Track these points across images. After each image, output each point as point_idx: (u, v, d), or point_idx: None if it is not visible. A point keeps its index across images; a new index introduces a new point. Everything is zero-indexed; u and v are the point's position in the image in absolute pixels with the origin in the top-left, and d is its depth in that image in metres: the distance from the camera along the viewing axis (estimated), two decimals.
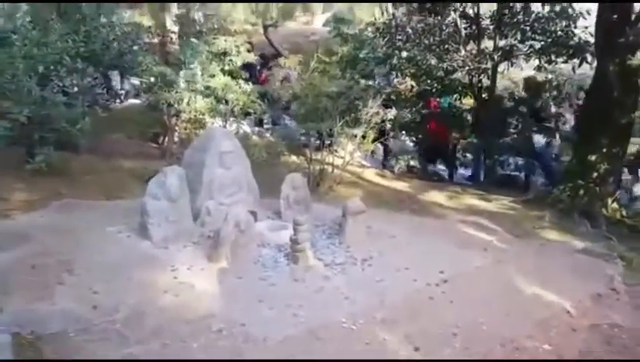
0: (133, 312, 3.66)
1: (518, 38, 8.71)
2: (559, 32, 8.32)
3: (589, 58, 7.94)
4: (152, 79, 7.86)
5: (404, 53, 8.68)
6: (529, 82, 9.54)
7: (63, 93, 6.20)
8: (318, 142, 8.26)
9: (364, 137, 8.15)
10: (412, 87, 9.52)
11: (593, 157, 6.83)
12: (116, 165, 7.51)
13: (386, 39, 8.91)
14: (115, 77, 9.30)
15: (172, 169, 5.04)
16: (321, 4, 19.44)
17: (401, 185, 8.53)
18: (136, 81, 9.67)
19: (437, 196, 7.94)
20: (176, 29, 9.05)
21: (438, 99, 9.63)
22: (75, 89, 6.53)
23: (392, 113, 7.82)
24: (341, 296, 4.17)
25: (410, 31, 8.67)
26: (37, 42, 6.09)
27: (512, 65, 9.33)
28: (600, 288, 5.00)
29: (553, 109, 9.28)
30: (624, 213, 6.99)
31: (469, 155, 10.08)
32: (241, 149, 5.83)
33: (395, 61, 8.69)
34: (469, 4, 8.83)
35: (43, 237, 4.62)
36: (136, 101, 10.24)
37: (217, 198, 5.44)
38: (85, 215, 5.34)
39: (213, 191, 5.46)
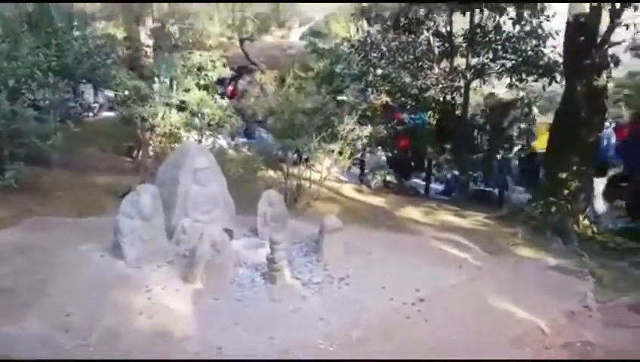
0: (106, 335, 3.58)
1: (490, 56, 8.91)
2: (529, 52, 8.53)
3: (558, 77, 8.16)
4: (127, 92, 7.78)
5: (379, 71, 8.77)
6: (491, 101, 9.73)
7: (34, 108, 6.05)
8: (295, 156, 8.27)
9: (340, 153, 8.19)
10: (387, 102, 9.62)
11: (564, 175, 7.00)
12: (89, 180, 7.37)
13: (361, 56, 9.01)
14: (88, 90, 9.15)
15: (145, 187, 4.96)
16: (297, 17, 19.57)
17: (378, 201, 8.59)
18: (110, 93, 9.56)
19: (413, 212, 8.02)
20: (150, 42, 8.99)
21: (404, 115, 9.80)
22: (47, 103, 6.37)
23: (367, 130, 7.87)
24: (317, 317, 4.16)
25: (384, 49, 8.79)
26: (7, 55, 5.96)
27: (484, 83, 9.54)
28: (573, 305, 5.08)
29: (522, 126, 9.51)
30: (595, 229, 7.17)
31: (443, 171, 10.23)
32: (216, 165, 5.77)
33: (370, 78, 8.78)
34: (442, 24, 8.99)
35: (13, 257, 4.49)
36: (110, 114, 10.10)
37: (193, 216, 5.36)
38: (57, 233, 5.21)
39: (189, 208, 5.39)
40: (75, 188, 6.90)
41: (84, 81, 7.93)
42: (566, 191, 6.97)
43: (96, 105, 9.25)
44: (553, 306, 4.99)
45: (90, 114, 8.77)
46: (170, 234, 5.16)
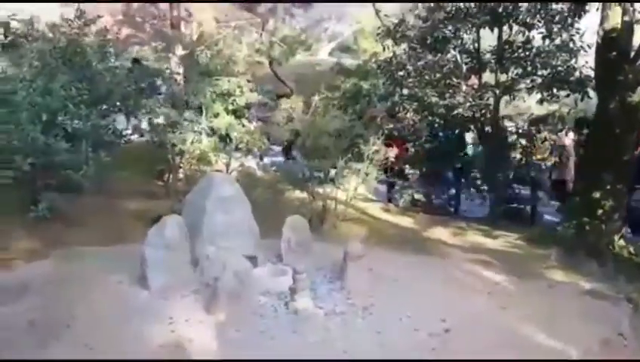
0: None
1: (519, 72, 8.74)
2: (559, 67, 8.33)
3: (591, 93, 7.93)
4: (159, 120, 7.98)
5: (406, 90, 8.72)
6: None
7: (66, 139, 6.26)
8: (322, 175, 8.26)
9: (367, 174, 8.15)
10: (414, 122, 9.55)
11: (597, 194, 6.77)
12: (121, 206, 7.53)
13: (387, 75, 8.98)
14: (120, 117, 9.41)
15: (171, 218, 5.05)
16: (326, 35, 19.75)
17: (406, 221, 8.49)
18: (143, 121, 9.81)
19: (441, 232, 7.89)
20: (180, 69, 9.22)
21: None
22: (79, 133, 6.58)
23: (393, 151, 7.81)
24: (340, 350, 4.12)
25: (410, 68, 8.73)
26: (41, 90, 6.20)
27: (514, 99, 9.35)
28: (608, 333, 4.89)
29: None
30: (632, 250, 6.88)
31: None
32: (241, 193, 5.83)
33: (396, 98, 8.73)
34: (469, 41, 8.89)
35: (42, 289, 4.62)
36: (142, 139, 10.36)
37: (218, 243, 5.42)
38: (87, 264, 5.33)
39: (214, 236, 5.45)
40: (106, 215, 7.05)
41: (116, 110, 8.16)
42: (600, 211, 6.73)
43: (127, 131, 9.49)
44: (587, 334, 4.81)
45: (122, 141, 9.00)
46: (196, 262, 5.23)
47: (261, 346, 4.09)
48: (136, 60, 10.06)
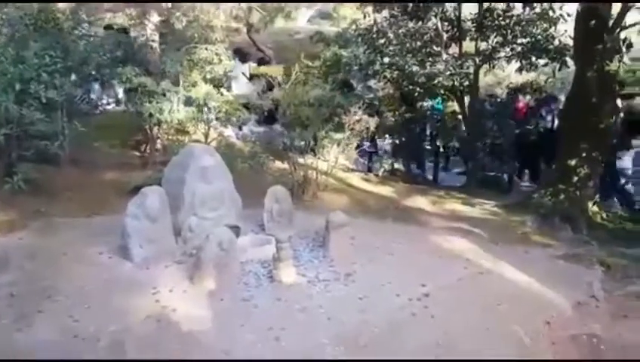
0: (113, 340, 3.64)
1: (499, 40, 8.75)
2: (539, 36, 8.36)
3: (569, 62, 8.00)
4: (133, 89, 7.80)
5: (386, 59, 8.67)
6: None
7: (40, 110, 6.09)
8: (302, 145, 8.25)
9: (347, 144, 8.15)
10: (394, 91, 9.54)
11: (573, 162, 6.90)
12: (98, 178, 7.43)
13: (367, 44, 8.91)
14: (95, 87, 9.18)
15: (152, 189, 5.00)
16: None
17: (386, 190, 8.57)
18: (119, 90, 9.60)
19: (420, 201, 7.99)
20: (156, 37, 8.97)
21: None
22: (53, 103, 6.41)
23: (373, 120, 7.81)
24: (324, 316, 4.19)
25: (391, 36, 8.68)
26: (13, 59, 5.99)
27: (493, 68, 9.40)
28: (581, 296, 5.08)
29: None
30: (604, 216, 7.09)
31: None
32: (222, 163, 5.79)
33: (377, 66, 8.69)
34: (450, 9, 8.84)
35: (22, 261, 4.57)
36: (118, 108, 10.15)
37: (200, 213, 5.41)
38: (66, 235, 5.28)
39: (195, 207, 5.43)
40: (83, 186, 6.96)
41: (91, 80, 7.95)
42: (575, 178, 6.88)
43: (102, 102, 9.27)
44: (560, 298, 4.98)
45: (97, 111, 8.80)
46: (178, 233, 5.22)
47: (245, 314, 4.12)
48: (109, 27, 9.76)
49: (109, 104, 9.70)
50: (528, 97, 9.98)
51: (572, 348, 4.24)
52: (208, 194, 5.52)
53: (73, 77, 7.30)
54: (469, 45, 9.29)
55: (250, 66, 14.21)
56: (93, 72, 7.54)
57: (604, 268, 5.68)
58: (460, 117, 9.57)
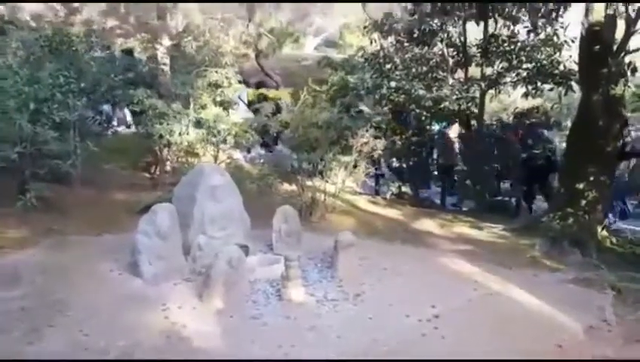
0: (123, 354, 3.63)
1: (505, 66, 8.87)
2: (544, 61, 8.48)
3: (575, 87, 8.09)
4: (145, 111, 7.93)
5: (393, 83, 8.79)
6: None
7: (54, 128, 6.20)
8: (310, 168, 8.30)
9: (355, 166, 8.20)
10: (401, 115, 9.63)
11: (581, 186, 6.91)
12: (108, 197, 7.51)
13: (374, 68, 9.05)
14: (107, 108, 9.34)
15: (163, 206, 5.04)
16: (312, 29, 19.71)
17: (393, 213, 8.58)
18: (127, 112, 9.75)
19: (428, 224, 8.00)
20: (167, 60, 9.16)
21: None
22: (66, 123, 6.52)
23: (381, 143, 7.87)
24: (333, 334, 4.16)
25: (397, 61, 8.82)
26: (28, 79, 6.13)
27: (499, 93, 9.50)
28: (592, 320, 5.01)
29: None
30: (614, 240, 7.06)
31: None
32: (232, 183, 5.84)
33: (384, 90, 8.80)
34: (456, 35, 9.00)
35: (33, 276, 4.59)
36: (128, 130, 10.30)
37: (209, 232, 5.44)
38: (76, 252, 5.32)
39: (205, 225, 5.46)
40: (94, 205, 7.03)
41: (103, 101, 8.10)
42: (584, 202, 6.88)
43: (114, 123, 9.42)
44: (572, 321, 4.93)
45: (109, 132, 8.93)
46: (187, 251, 5.23)
47: (254, 331, 4.11)
48: (125, 51, 9.98)
49: (119, 126, 9.84)
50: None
51: None
52: (218, 213, 5.56)
53: (85, 99, 7.44)
54: (474, 71, 9.42)
55: (247, 93, 14.38)
56: (105, 94, 7.67)
57: (615, 292, 5.61)
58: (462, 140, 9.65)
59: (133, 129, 10.21)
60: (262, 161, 10.16)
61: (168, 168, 8.67)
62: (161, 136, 7.87)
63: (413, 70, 8.82)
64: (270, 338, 4.04)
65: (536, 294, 5.34)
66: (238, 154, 10.03)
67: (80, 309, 4.16)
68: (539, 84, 8.71)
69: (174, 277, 4.85)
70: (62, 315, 4.06)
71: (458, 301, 4.95)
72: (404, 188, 9.98)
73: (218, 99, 8.50)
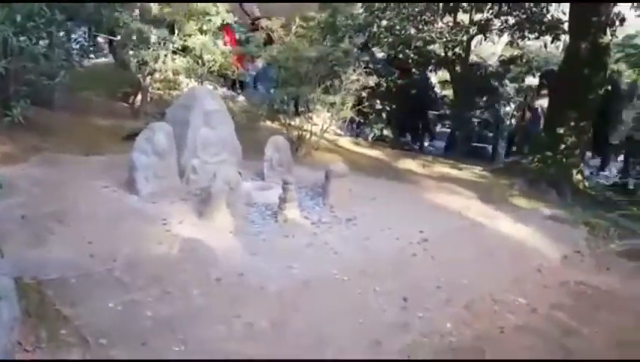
0: (130, 261, 3.69)
1: (494, 12, 8.92)
2: (534, 9, 8.56)
3: (562, 36, 8.24)
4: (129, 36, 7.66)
5: (384, 22, 8.74)
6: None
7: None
8: (294, 108, 8.28)
9: (343, 104, 8.20)
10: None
11: (561, 130, 7.17)
12: (91, 122, 7.33)
13: (364, 6, 8.96)
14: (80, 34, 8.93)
15: (160, 125, 5.01)
16: None
17: (376, 153, 8.72)
18: (100, 39, 9.40)
19: (410, 164, 8.19)
20: None
21: None
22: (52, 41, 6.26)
23: (373, 80, 7.89)
24: (330, 251, 4.33)
25: None
26: None
27: (485, 40, 9.57)
28: (567, 251, 5.38)
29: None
30: (586, 183, 7.42)
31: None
32: (225, 110, 5.81)
33: (374, 29, 8.75)
34: None
35: (29, 188, 4.54)
36: (104, 59, 9.93)
37: (202, 157, 5.44)
38: (67, 169, 5.25)
39: (198, 149, 5.44)
40: (78, 128, 6.87)
41: (89, 22, 7.78)
42: (562, 146, 7.15)
43: (92, 49, 9.04)
44: (549, 251, 5.27)
45: (87, 59, 8.58)
46: (181, 173, 5.24)
47: (256, 246, 4.23)
48: None
49: (97, 52, 9.47)
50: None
51: (562, 292, 4.51)
52: (211, 138, 5.54)
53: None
54: (463, 17, 9.42)
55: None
56: (93, 14, 7.32)
57: (587, 227, 5.99)
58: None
59: (110, 58, 9.87)
60: (243, 99, 9.99)
61: (149, 98, 8.46)
62: (145, 63, 7.65)
63: (404, 11, 8.75)
64: (271, 252, 4.17)
65: (516, 226, 5.65)
66: (220, 91, 9.85)
67: (80, 219, 4.16)
68: (526, 32, 8.81)
69: (170, 196, 4.88)
70: (63, 225, 4.05)
71: (445, 228, 5.19)
72: (385, 132, 10.07)
73: (205, 27, 8.25)
